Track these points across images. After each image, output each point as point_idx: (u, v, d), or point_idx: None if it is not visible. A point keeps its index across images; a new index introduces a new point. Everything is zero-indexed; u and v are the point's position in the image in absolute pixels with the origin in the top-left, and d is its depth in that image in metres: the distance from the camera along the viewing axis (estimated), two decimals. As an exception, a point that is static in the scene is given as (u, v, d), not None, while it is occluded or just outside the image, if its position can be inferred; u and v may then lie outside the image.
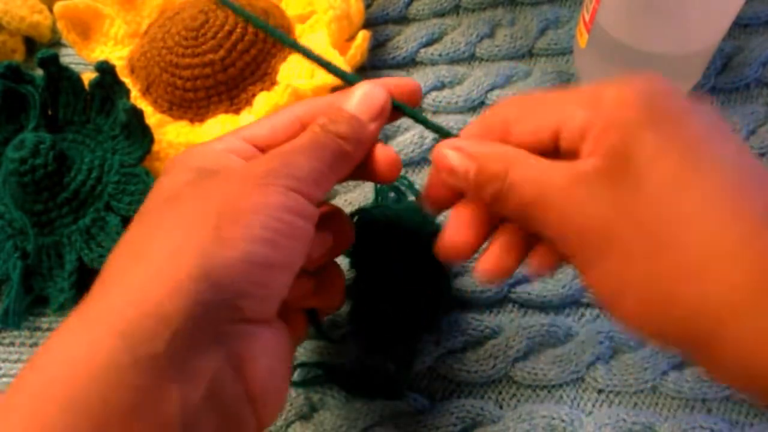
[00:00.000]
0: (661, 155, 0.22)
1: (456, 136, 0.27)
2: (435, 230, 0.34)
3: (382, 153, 0.27)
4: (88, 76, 0.40)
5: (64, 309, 0.38)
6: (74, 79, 0.39)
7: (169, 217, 0.23)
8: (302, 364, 0.35)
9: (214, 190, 0.23)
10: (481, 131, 0.26)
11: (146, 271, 0.21)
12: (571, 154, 0.24)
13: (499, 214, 0.25)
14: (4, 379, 0.38)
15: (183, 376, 0.21)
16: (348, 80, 0.29)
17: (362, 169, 0.27)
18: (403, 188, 0.37)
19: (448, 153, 0.26)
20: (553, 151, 0.25)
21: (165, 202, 0.24)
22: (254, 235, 0.22)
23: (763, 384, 0.19)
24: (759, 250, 0.20)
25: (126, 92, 0.39)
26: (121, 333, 0.20)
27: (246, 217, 0.22)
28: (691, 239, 0.20)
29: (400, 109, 0.28)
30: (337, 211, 0.31)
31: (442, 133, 0.28)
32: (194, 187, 0.24)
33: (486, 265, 0.26)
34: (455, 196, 0.27)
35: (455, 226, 0.26)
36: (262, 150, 0.26)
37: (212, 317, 0.21)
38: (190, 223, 0.22)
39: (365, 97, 0.27)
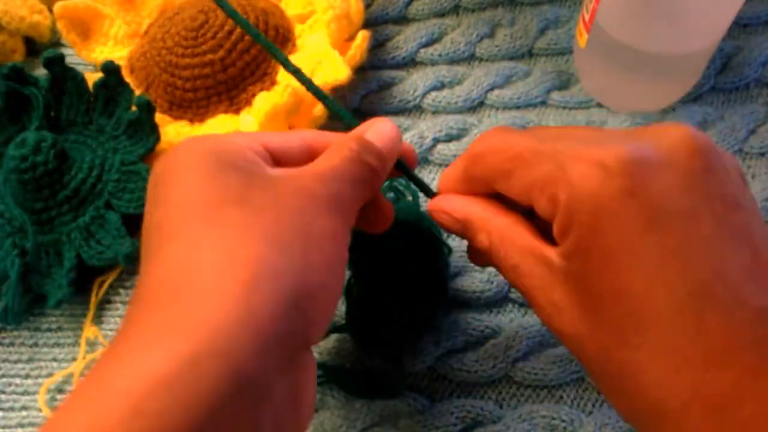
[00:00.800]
0: (617, 281, 0.21)
1: (435, 194, 0.28)
2: (432, 229, 0.34)
3: (382, 203, 0.27)
4: (90, 77, 0.40)
5: (61, 306, 0.38)
6: (78, 79, 0.39)
7: (246, 224, 0.21)
8: None
9: (285, 203, 0.22)
10: (465, 184, 0.27)
11: (243, 283, 0.19)
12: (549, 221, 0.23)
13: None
14: (4, 379, 0.38)
15: (262, 404, 0.19)
16: (344, 117, 0.29)
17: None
18: (401, 188, 0.37)
19: (441, 216, 0.27)
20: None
21: (229, 204, 0.21)
22: (331, 264, 0.22)
23: None
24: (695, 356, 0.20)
25: (130, 92, 0.39)
26: (221, 352, 0.18)
27: (325, 243, 0.22)
28: (648, 380, 0.20)
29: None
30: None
31: (426, 192, 0.29)
32: (260, 191, 0.22)
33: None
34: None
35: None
36: (275, 158, 0.25)
37: (292, 343, 0.20)
38: (278, 238, 0.21)
39: (383, 133, 0.26)
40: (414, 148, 0.28)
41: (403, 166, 0.28)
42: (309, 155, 0.26)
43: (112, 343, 0.19)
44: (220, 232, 0.20)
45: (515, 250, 0.24)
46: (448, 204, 0.27)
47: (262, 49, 0.41)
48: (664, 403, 0.20)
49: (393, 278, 0.33)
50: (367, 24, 0.44)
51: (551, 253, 0.23)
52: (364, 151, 0.25)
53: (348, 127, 0.28)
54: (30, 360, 0.38)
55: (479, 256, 0.27)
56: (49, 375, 0.37)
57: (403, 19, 0.46)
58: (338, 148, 0.25)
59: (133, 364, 0.18)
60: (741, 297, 0.20)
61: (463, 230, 0.27)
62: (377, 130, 0.26)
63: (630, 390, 0.21)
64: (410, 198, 0.37)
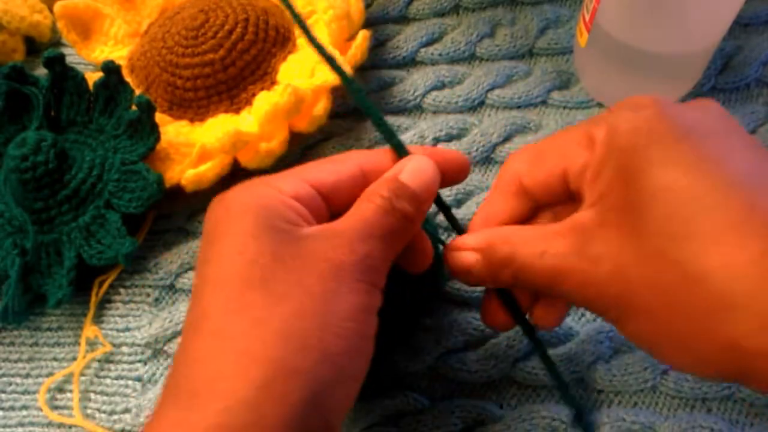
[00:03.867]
0: (659, 185, 0.21)
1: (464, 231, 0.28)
2: (428, 227, 0.34)
3: (423, 244, 0.26)
4: (90, 76, 0.40)
5: (61, 306, 0.38)
6: (79, 79, 0.39)
7: (266, 315, 0.21)
8: None
9: (308, 286, 0.21)
10: (498, 192, 0.27)
11: (256, 385, 0.19)
12: (580, 197, 0.24)
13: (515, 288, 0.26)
14: (4, 379, 0.38)
15: None
16: (397, 148, 0.27)
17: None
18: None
19: (456, 255, 0.26)
20: (567, 195, 0.25)
21: (253, 286, 0.21)
22: (352, 348, 0.21)
23: None
24: None
25: (131, 92, 0.39)
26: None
27: (345, 326, 0.21)
28: (710, 264, 0.20)
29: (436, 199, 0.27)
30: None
31: (458, 229, 0.28)
32: (284, 274, 0.21)
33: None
34: None
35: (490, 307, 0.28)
36: (326, 198, 0.25)
37: None
38: (294, 333, 0.20)
39: (421, 173, 0.25)
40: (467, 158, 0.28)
41: (441, 204, 0.28)
42: (363, 183, 0.25)
43: None
44: (241, 326, 0.21)
45: (539, 239, 0.24)
46: (463, 241, 0.27)
47: (263, 48, 0.41)
48: (733, 284, 0.19)
49: (388, 278, 0.33)
50: (368, 23, 0.44)
51: (578, 216, 0.23)
52: (396, 198, 0.24)
53: (378, 129, 0.27)
54: (30, 359, 0.38)
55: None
56: (50, 374, 0.37)
57: (403, 19, 0.46)
58: (370, 197, 0.24)
59: None
60: None
61: (485, 258, 0.25)
62: (414, 170, 0.25)
63: (695, 290, 0.20)
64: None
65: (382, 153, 0.27)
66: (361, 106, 0.28)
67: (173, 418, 0.20)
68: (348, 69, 0.38)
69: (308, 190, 0.24)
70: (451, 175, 0.27)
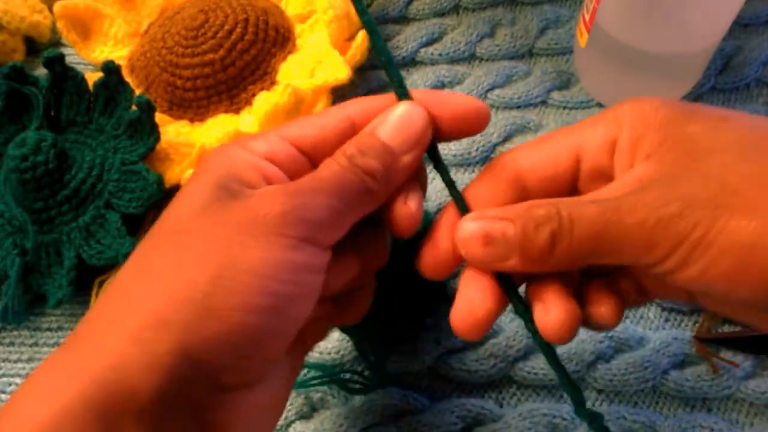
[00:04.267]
0: (712, 133, 0.21)
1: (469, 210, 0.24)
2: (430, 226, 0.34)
3: (402, 207, 0.24)
4: (90, 76, 0.40)
5: (61, 306, 0.38)
6: (78, 79, 0.39)
7: (164, 265, 0.21)
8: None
9: (217, 236, 0.21)
10: (493, 187, 0.24)
11: (128, 335, 0.19)
12: (598, 177, 0.23)
13: (544, 266, 0.22)
14: (4, 379, 0.38)
15: None
16: (396, 88, 0.24)
17: (377, 213, 0.24)
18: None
19: (477, 224, 0.22)
20: (570, 181, 0.24)
21: (170, 234, 0.21)
22: (250, 304, 0.20)
23: None
24: None
25: (131, 92, 0.39)
26: (91, 400, 0.18)
27: (246, 280, 0.20)
28: None
29: (430, 150, 0.24)
30: (372, 229, 0.25)
31: (461, 206, 0.24)
32: (201, 222, 0.21)
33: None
34: (455, 263, 0.24)
35: (474, 296, 0.23)
36: (308, 154, 0.24)
37: (188, 392, 0.20)
38: (183, 285, 0.20)
39: (402, 121, 0.23)
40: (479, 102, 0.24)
41: (437, 159, 0.25)
42: (353, 134, 0.24)
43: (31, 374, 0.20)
44: (135, 277, 0.21)
45: (593, 197, 0.22)
46: (485, 211, 0.23)
47: (262, 48, 0.41)
48: None
49: (389, 276, 0.33)
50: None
51: (623, 177, 0.22)
52: (361, 154, 0.22)
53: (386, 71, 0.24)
54: (30, 359, 0.38)
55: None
56: (49, 374, 0.37)
57: (403, 19, 0.46)
58: (336, 154, 0.23)
59: (21, 407, 0.19)
60: None
61: (507, 235, 0.22)
62: (396, 122, 0.23)
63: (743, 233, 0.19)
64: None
65: (380, 99, 0.25)
66: (368, 30, 0.24)
67: (50, 365, 0.20)
68: (348, 70, 0.39)
69: (286, 148, 0.23)
70: (464, 124, 0.24)
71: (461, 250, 0.23)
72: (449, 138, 0.25)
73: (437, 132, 0.24)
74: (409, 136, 0.23)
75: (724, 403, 0.33)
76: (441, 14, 0.45)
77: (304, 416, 0.34)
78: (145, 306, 0.20)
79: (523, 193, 0.24)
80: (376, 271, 0.27)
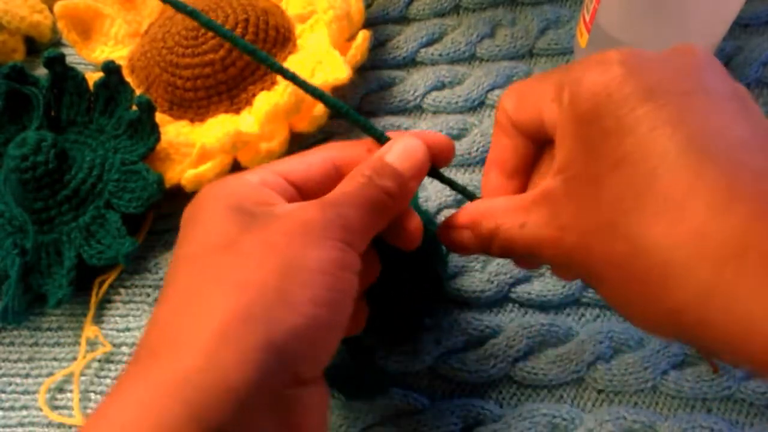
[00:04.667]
0: (616, 155, 0.21)
1: (474, 195, 0.29)
2: (430, 227, 0.34)
3: (411, 219, 0.27)
4: (90, 76, 0.40)
5: (61, 306, 0.38)
6: (79, 79, 0.40)
7: (229, 272, 0.21)
8: None
9: (274, 242, 0.22)
10: (497, 135, 0.27)
11: (213, 334, 0.20)
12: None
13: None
14: (4, 379, 0.38)
15: None
16: (376, 135, 0.27)
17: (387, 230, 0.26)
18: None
19: (449, 233, 0.27)
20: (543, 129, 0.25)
21: (220, 251, 0.22)
22: (319, 297, 0.21)
23: (754, 365, 0.18)
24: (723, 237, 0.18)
25: (131, 92, 0.39)
26: (187, 401, 0.19)
27: (311, 277, 0.21)
28: (653, 236, 0.20)
29: (435, 174, 0.28)
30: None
31: (468, 196, 0.29)
32: (251, 235, 0.22)
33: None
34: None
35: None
36: (297, 188, 0.26)
37: (273, 385, 0.20)
38: (255, 281, 0.21)
39: (407, 152, 0.26)
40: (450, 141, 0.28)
41: (438, 174, 0.28)
42: (336, 176, 0.26)
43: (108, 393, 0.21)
44: (205, 282, 0.21)
45: (518, 210, 0.25)
46: (453, 220, 0.27)
47: (263, 49, 0.41)
48: (673, 255, 0.19)
49: (387, 276, 0.33)
50: (368, 24, 0.44)
51: (548, 184, 0.24)
52: (378, 176, 0.25)
53: (354, 124, 0.27)
54: (30, 359, 0.38)
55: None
56: (50, 374, 0.37)
57: (403, 19, 0.46)
58: (353, 175, 0.25)
59: (106, 415, 0.20)
60: (739, 157, 0.19)
61: (474, 234, 0.26)
62: (400, 151, 0.26)
63: (642, 261, 0.20)
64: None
65: (358, 145, 0.27)
66: (332, 107, 0.28)
67: (134, 373, 0.20)
68: (347, 71, 0.39)
69: (278, 179, 0.25)
70: (438, 156, 0.28)
71: (453, 251, 0.28)
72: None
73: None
74: (414, 163, 0.26)
75: (724, 403, 0.33)
76: (441, 14, 0.45)
77: (326, 423, 0.34)
78: (222, 307, 0.20)
79: (528, 138, 0.26)
80: (367, 288, 0.29)
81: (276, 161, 0.26)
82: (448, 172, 0.40)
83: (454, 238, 0.27)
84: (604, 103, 0.21)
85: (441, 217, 0.38)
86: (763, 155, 0.20)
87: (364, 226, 0.24)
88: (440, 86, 0.43)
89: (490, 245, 0.26)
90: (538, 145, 0.27)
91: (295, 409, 0.22)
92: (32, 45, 0.48)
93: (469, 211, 0.27)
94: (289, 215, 0.23)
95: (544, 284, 0.36)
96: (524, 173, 0.27)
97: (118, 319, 0.38)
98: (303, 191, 0.26)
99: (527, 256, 0.25)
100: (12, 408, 0.37)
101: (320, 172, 0.26)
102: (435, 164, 0.28)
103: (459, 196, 0.38)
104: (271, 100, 0.38)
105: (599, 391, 0.34)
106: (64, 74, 0.39)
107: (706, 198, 0.19)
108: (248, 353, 0.20)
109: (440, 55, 0.44)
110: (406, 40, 0.44)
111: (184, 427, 0.19)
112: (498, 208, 0.26)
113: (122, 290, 0.39)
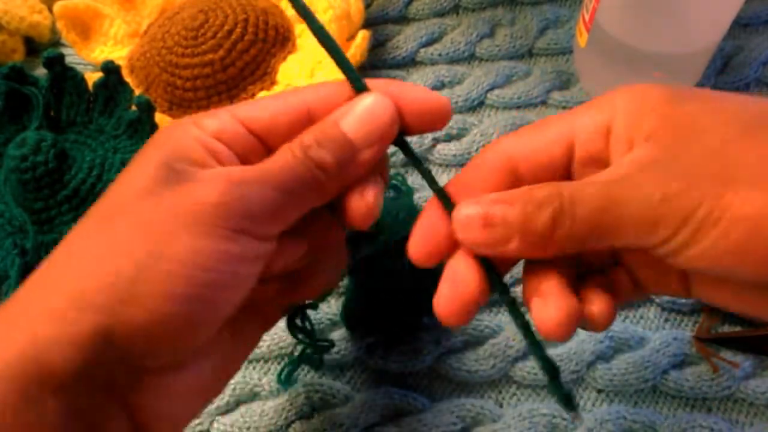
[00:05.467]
0: (710, 111, 0.21)
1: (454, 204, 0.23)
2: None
3: (357, 199, 0.23)
4: (90, 76, 0.40)
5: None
6: (78, 79, 0.39)
7: (98, 245, 0.21)
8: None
9: (151, 222, 0.21)
10: (484, 174, 0.23)
11: (49, 314, 0.20)
12: (591, 163, 0.23)
13: (545, 249, 0.22)
14: (4, 379, 0.38)
15: (60, 423, 0.19)
16: (352, 81, 0.23)
17: (332, 204, 0.24)
18: (399, 185, 0.37)
19: (476, 207, 0.22)
20: (565, 174, 0.23)
21: (106, 218, 0.22)
22: (172, 293, 0.20)
23: None
24: None
25: (130, 92, 0.39)
26: (12, 371, 0.19)
27: (173, 269, 0.20)
28: None
29: (401, 144, 0.24)
30: (320, 211, 0.24)
31: (444, 199, 0.23)
32: (137, 209, 0.21)
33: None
34: (448, 248, 0.23)
35: (461, 279, 0.23)
36: (259, 136, 0.23)
37: (106, 372, 0.20)
38: (112, 268, 0.20)
39: (367, 114, 0.23)
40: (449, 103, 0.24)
41: (404, 145, 0.24)
42: (309, 123, 0.23)
43: None
44: (67, 257, 0.21)
45: (595, 178, 0.22)
46: (484, 197, 0.22)
47: (262, 48, 0.41)
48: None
49: (386, 275, 0.33)
50: (368, 24, 0.44)
51: (626, 158, 0.22)
52: (318, 146, 0.22)
53: (332, 56, 0.24)
54: (30, 360, 0.38)
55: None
56: (49, 375, 0.37)
57: (403, 19, 0.46)
58: (290, 146, 0.22)
59: None
60: None
61: (507, 218, 0.21)
62: (362, 114, 0.23)
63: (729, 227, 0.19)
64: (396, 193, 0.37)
65: (340, 87, 0.24)
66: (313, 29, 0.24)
67: None
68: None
69: (237, 128, 0.23)
70: (426, 118, 0.24)
71: (459, 234, 0.22)
72: (409, 132, 0.24)
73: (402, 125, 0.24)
74: (373, 130, 0.23)
75: (724, 403, 0.33)
76: (441, 14, 0.45)
77: (304, 416, 0.34)
78: (70, 286, 0.20)
79: (515, 181, 0.23)
80: (332, 247, 0.27)
81: (244, 103, 0.24)
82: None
83: (483, 217, 0.22)
84: (666, 94, 0.22)
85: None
86: None
87: (280, 208, 0.22)
88: (440, 86, 0.43)
89: (537, 216, 0.21)
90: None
91: (141, 397, 0.21)
92: (32, 45, 0.48)
93: (501, 193, 0.22)
94: (187, 191, 0.21)
95: (544, 284, 0.36)
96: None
97: (117, 319, 0.38)
98: (266, 140, 0.23)
99: (592, 223, 0.21)
100: (12, 408, 0.37)
101: (289, 120, 0.23)
102: (408, 128, 0.24)
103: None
104: (270, 100, 0.38)
105: (599, 391, 0.34)
106: (63, 74, 0.39)
107: None
108: (77, 337, 0.19)
109: (440, 54, 0.44)
110: (405, 40, 0.44)
111: (8, 398, 0.19)
112: (555, 182, 0.22)
113: (122, 290, 0.39)
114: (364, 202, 0.23)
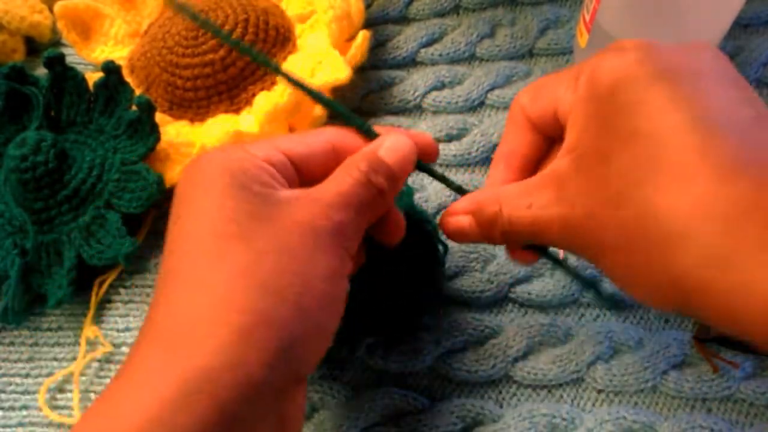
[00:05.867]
0: (628, 130, 0.22)
1: (470, 191, 0.29)
2: (427, 226, 0.34)
3: (394, 214, 0.27)
4: (90, 76, 0.40)
5: (61, 306, 0.38)
6: (78, 79, 0.40)
7: (245, 267, 0.22)
8: None
9: (288, 244, 0.22)
10: (510, 128, 0.28)
11: (233, 334, 0.20)
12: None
13: (502, 244, 0.28)
14: (4, 379, 0.38)
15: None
16: (364, 130, 0.27)
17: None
18: (403, 188, 0.37)
19: (450, 220, 0.28)
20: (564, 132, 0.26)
21: (228, 238, 0.22)
22: (325, 304, 0.23)
23: (753, 331, 0.19)
24: (731, 211, 0.19)
25: (131, 92, 0.39)
26: (214, 395, 0.20)
27: (319, 284, 0.22)
28: (661, 204, 0.20)
29: (422, 168, 0.28)
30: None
31: (461, 191, 0.29)
32: (262, 228, 0.22)
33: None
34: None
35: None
36: (297, 167, 0.25)
37: (280, 384, 0.22)
38: (273, 286, 0.21)
39: (396, 147, 0.26)
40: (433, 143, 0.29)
41: (428, 169, 0.29)
42: (335, 158, 0.26)
43: (115, 378, 0.21)
44: (221, 275, 0.22)
45: (523, 193, 0.25)
46: (455, 207, 0.28)
47: (262, 49, 0.41)
48: (678, 222, 0.20)
49: (387, 275, 0.33)
50: (368, 24, 0.44)
51: (556, 164, 0.25)
52: (373, 172, 0.25)
53: (349, 125, 0.27)
54: (30, 359, 0.38)
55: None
56: (50, 374, 0.37)
57: (403, 19, 0.46)
58: (348, 169, 0.25)
59: (126, 403, 0.20)
60: (745, 132, 0.20)
61: (477, 220, 0.27)
62: (391, 147, 0.26)
63: (649, 229, 0.21)
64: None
65: (354, 133, 0.27)
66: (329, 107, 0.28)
67: (154, 362, 0.21)
68: (346, 71, 0.39)
69: (281, 157, 0.25)
70: (425, 154, 0.28)
71: (448, 236, 0.29)
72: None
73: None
74: (405, 161, 0.26)
75: (724, 403, 0.33)
76: (441, 15, 0.45)
77: (305, 416, 0.34)
78: (240, 305, 0.21)
79: (540, 133, 0.28)
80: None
81: (278, 137, 0.27)
82: (448, 172, 0.40)
83: (455, 225, 0.28)
84: (620, 82, 0.22)
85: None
86: (767, 133, 0.21)
87: (358, 228, 0.25)
88: (440, 86, 0.43)
89: (491, 230, 0.26)
90: (548, 143, 0.28)
91: (289, 404, 0.23)
92: (32, 45, 0.48)
93: (472, 197, 0.28)
94: (297, 215, 0.23)
95: (544, 284, 0.36)
96: (531, 171, 0.28)
97: (118, 319, 0.38)
98: (302, 171, 0.26)
99: (530, 239, 0.26)
100: (12, 408, 0.37)
101: (321, 153, 0.26)
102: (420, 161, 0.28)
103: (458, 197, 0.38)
104: (271, 100, 0.38)
105: (599, 391, 0.34)
106: (63, 74, 0.39)
107: (713, 167, 0.20)
108: (267, 354, 0.21)
109: (440, 55, 0.44)
110: (406, 40, 0.44)
111: (207, 418, 0.20)
112: (502, 193, 0.26)
113: (122, 290, 0.39)
114: (399, 220, 0.28)
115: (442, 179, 0.29)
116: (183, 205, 0.24)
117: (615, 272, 0.23)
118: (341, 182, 0.24)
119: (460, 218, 0.28)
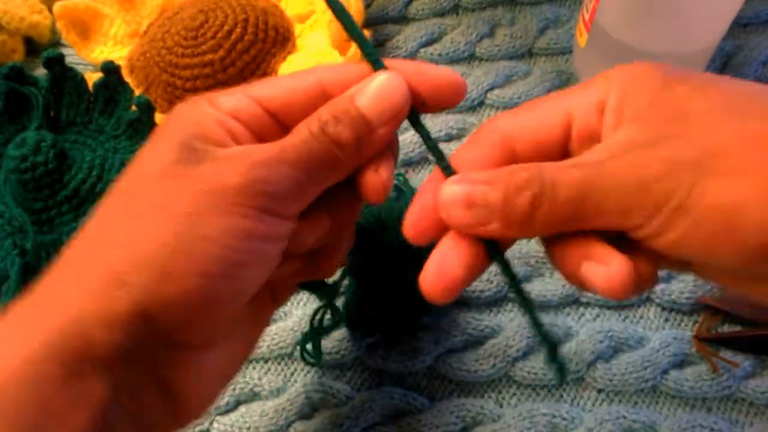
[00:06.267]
0: (700, 94, 0.21)
1: (453, 171, 0.23)
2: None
3: (373, 175, 0.24)
4: (89, 77, 0.40)
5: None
6: (78, 79, 0.40)
7: (129, 224, 0.21)
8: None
9: (179, 203, 0.21)
10: (481, 151, 0.23)
11: (85, 293, 0.20)
12: (589, 140, 0.23)
13: (526, 231, 0.22)
14: (4, 379, 0.38)
15: (103, 396, 0.20)
16: (370, 59, 0.24)
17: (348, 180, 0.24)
18: (401, 185, 0.37)
19: (459, 187, 0.22)
20: (562, 151, 0.23)
21: (134, 195, 0.22)
22: (206, 271, 0.21)
23: None
24: None
25: (130, 92, 0.39)
26: (53, 347, 0.19)
27: (203, 247, 0.21)
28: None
29: (412, 119, 0.24)
30: (343, 186, 0.24)
31: (447, 170, 0.23)
32: (163, 187, 0.22)
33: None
34: (441, 229, 0.23)
35: (448, 258, 0.23)
36: (275, 115, 0.23)
37: (144, 348, 0.21)
38: (143, 248, 0.21)
39: (381, 92, 0.23)
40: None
41: (416, 121, 0.24)
42: (323, 99, 0.23)
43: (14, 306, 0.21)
44: (107, 234, 0.22)
45: (575, 160, 0.22)
46: (468, 174, 0.23)
47: (262, 49, 0.41)
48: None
49: (387, 275, 0.33)
50: (367, 23, 0.44)
51: (609, 140, 0.22)
52: (333, 123, 0.22)
53: (348, 32, 0.24)
54: (30, 360, 0.38)
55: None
56: (49, 375, 0.37)
57: (403, 19, 0.46)
58: (306, 122, 0.23)
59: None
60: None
61: (487, 198, 0.21)
62: (376, 91, 0.23)
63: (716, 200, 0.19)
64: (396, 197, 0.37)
65: (355, 68, 0.24)
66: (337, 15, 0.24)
67: (13, 317, 0.21)
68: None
69: (252, 107, 0.23)
70: (441, 96, 0.24)
71: (442, 214, 0.22)
72: (426, 110, 0.25)
73: (415, 102, 0.24)
74: (387, 108, 0.23)
75: (724, 403, 0.33)
76: (441, 14, 0.45)
77: (304, 416, 0.34)
78: (104, 266, 0.21)
79: (512, 158, 0.23)
80: (351, 224, 0.27)
81: (258, 82, 0.24)
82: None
83: (468, 195, 0.22)
84: (662, 69, 0.22)
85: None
86: None
87: (300, 188, 0.22)
88: (440, 86, 0.43)
89: (517, 199, 0.21)
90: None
91: (174, 372, 0.22)
92: (32, 45, 0.48)
93: (495, 170, 0.22)
94: (210, 171, 0.21)
95: (544, 284, 0.36)
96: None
97: (117, 319, 0.38)
98: (282, 119, 0.24)
99: (571, 206, 0.21)
100: (12, 408, 0.37)
101: (304, 98, 0.23)
102: (418, 107, 0.24)
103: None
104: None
105: (599, 391, 0.34)
106: (63, 74, 0.39)
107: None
108: (115, 315, 0.20)
109: (439, 54, 0.44)
110: (405, 39, 0.44)
111: (51, 371, 0.19)
112: (537, 162, 0.22)
113: (122, 290, 0.39)
114: (379, 178, 0.24)
115: (433, 149, 0.24)
116: (138, 155, 0.23)
117: (684, 240, 0.20)
118: (294, 134, 0.22)
119: (476, 188, 0.22)
